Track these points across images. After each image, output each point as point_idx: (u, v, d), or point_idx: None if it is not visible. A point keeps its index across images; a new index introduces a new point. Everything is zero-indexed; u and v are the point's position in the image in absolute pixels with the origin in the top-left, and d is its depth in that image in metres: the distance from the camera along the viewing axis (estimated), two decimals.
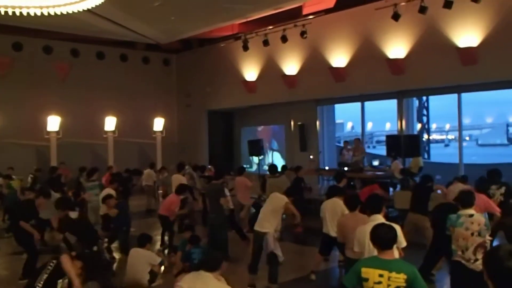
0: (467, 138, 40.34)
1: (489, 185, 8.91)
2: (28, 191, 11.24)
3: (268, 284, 8.07)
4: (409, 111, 17.21)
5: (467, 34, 13.35)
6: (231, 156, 23.44)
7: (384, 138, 17.61)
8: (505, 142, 44.83)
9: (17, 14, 7.05)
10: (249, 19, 17.25)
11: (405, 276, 4.23)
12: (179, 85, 23.93)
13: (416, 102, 21.14)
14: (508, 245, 2.65)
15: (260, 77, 19.60)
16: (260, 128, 22.41)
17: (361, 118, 18.34)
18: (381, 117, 32.36)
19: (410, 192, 10.17)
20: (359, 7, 15.68)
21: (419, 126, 22.48)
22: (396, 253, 4.91)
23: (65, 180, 15.93)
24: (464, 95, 15.26)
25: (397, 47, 14.95)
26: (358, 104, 18.03)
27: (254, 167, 20.89)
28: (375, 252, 4.59)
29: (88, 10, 8.30)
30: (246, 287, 8.15)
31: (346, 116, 35.96)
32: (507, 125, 45.09)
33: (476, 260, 5.91)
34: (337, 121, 25.36)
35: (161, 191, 17.06)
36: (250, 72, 19.90)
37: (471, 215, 6.12)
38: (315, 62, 17.16)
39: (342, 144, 18.38)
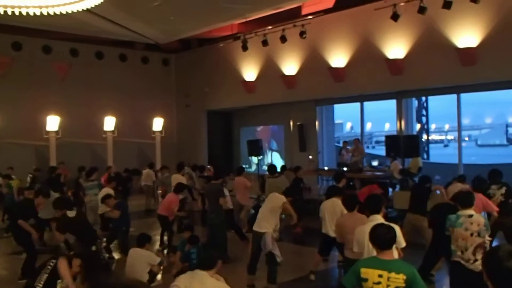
0: (467, 139, 40.35)
1: (490, 185, 8.92)
2: (27, 191, 11.24)
3: (267, 285, 8.07)
4: (408, 111, 17.22)
5: (466, 35, 13.36)
6: (230, 156, 23.46)
7: (383, 139, 17.59)
8: (505, 142, 44.84)
9: (17, 13, 7.05)
10: (248, 19, 17.22)
11: (404, 277, 4.23)
12: (178, 85, 23.92)
13: (415, 103, 21.16)
14: (507, 246, 2.64)
15: (259, 77, 19.60)
16: (259, 128, 22.41)
17: (360, 118, 18.35)
18: (380, 118, 32.39)
19: (409, 192, 10.18)
20: (358, 7, 15.68)
21: (418, 126, 22.50)
22: (395, 254, 4.91)
23: (64, 180, 15.92)
24: (463, 96, 15.27)
25: (396, 47, 14.95)
26: (357, 104, 18.04)
27: (254, 167, 20.90)
28: (374, 253, 4.59)
29: (88, 10, 8.30)
30: (245, 287, 8.16)
31: (345, 116, 35.97)
32: (507, 126, 45.09)
33: (476, 260, 5.91)
34: (336, 121, 25.35)
35: (160, 191, 17.07)
36: (249, 72, 19.90)
37: (471, 216, 6.12)
38: (314, 62, 17.16)
39: (341, 144, 18.39)
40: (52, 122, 18.91)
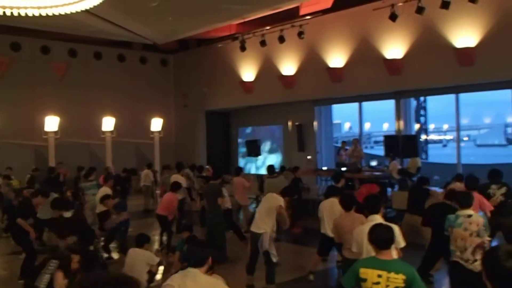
0: (465, 139, 40.28)
1: (490, 185, 8.92)
2: (26, 190, 11.24)
3: (265, 285, 8.07)
4: (407, 111, 17.25)
5: (465, 35, 13.37)
6: (228, 157, 23.47)
7: (382, 139, 17.61)
8: (503, 142, 44.80)
9: (15, 14, 7.05)
10: (246, 20, 17.23)
11: (403, 277, 4.24)
12: (177, 85, 23.91)
13: (414, 103, 21.14)
14: (507, 246, 2.65)
15: (257, 77, 19.59)
16: (258, 129, 22.39)
17: (359, 118, 18.38)
18: (379, 118, 32.33)
19: (408, 192, 10.20)
20: (357, 7, 15.68)
21: (417, 126, 22.48)
22: (394, 254, 4.92)
23: (63, 179, 15.94)
24: (462, 96, 15.30)
25: (394, 47, 14.96)
26: (356, 104, 18.06)
27: (253, 168, 20.92)
28: (373, 253, 4.60)
29: (86, 10, 8.30)
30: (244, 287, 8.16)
31: (344, 116, 35.88)
32: (505, 126, 45.06)
33: (475, 260, 5.92)
34: (335, 121, 25.35)
35: (158, 191, 17.06)
36: (248, 72, 19.90)
37: (470, 216, 6.13)
38: (312, 63, 17.16)
39: (340, 145, 18.40)
40: (51, 123, 18.91)
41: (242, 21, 17.58)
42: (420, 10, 13.01)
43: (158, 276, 8.20)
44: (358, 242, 5.71)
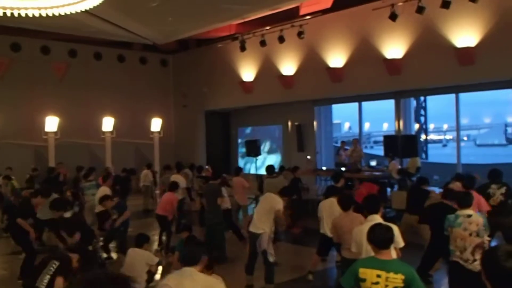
0: (465, 138, 40.28)
1: (490, 185, 8.92)
2: (25, 190, 11.24)
3: (264, 285, 8.07)
4: (406, 111, 17.24)
5: (465, 34, 13.36)
6: (228, 157, 23.47)
7: (381, 139, 17.61)
8: (503, 142, 44.80)
9: (16, 15, 7.06)
10: (246, 20, 17.23)
11: (403, 277, 4.23)
12: (176, 85, 23.91)
13: (414, 102, 21.14)
14: (506, 246, 2.65)
15: (257, 77, 19.59)
16: (257, 129, 22.40)
17: (359, 118, 18.37)
18: (379, 118, 32.36)
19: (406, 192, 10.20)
20: (356, 7, 15.67)
21: (417, 126, 22.48)
22: (393, 253, 4.92)
23: (63, 179, 15.94)
24: (462, 95, 15.29)
25: (394, 47, 14.96)
26: (356, 104, 18.06)
27: (252, 168, 20.91)
28: (372, 253, 4.60)
29: (86, 11, 8.30)
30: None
31: (344, 116, 35.94)
32: (505, 125, 45.06)
33: (474, 260, 5.92)
34: (335, 121, 25.35)
35: (158, 191, 17.06)
36: (247, 72, 19.90)
37: (469, 216, 6.13)
38: (312, 63, 17.16)
39: (339, 145, 18.40)
40: (51, 123, 18.90)
41: (242, 21, 17.58)
42: (420, 9, 13.00)
43: (158, 276, 8.18)
44: (357, 242, 5.71)
